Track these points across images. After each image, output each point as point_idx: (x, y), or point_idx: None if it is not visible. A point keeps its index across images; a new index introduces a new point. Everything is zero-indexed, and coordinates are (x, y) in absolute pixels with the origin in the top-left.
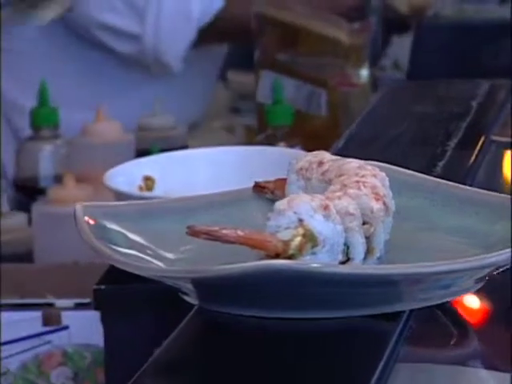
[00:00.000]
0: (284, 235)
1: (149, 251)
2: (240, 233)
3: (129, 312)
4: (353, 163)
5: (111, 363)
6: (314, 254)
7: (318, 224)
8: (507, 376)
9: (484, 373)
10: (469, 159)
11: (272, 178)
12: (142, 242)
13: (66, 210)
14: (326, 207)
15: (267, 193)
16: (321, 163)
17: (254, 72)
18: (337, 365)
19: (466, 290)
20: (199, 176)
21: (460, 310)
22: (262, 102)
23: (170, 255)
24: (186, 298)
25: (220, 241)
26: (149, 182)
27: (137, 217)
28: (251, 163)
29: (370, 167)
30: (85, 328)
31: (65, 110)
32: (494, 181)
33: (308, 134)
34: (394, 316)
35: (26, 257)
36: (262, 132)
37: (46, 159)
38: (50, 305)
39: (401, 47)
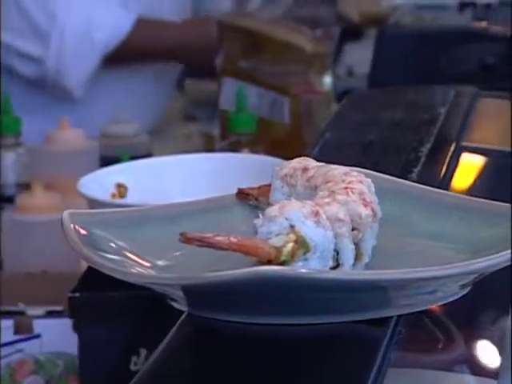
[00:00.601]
0: (276, 241)
1: (136, 258)
2: (233, 239)
3: (103, 319)
4: (338, 170)
5: (86, 371)
6: (305, 260)
7: (309, 230)
8: (492, 382)
9: (470, 378)
10: (442, 165)
11: (253, 185)
12: (129, 248)
13: (35, 218)
14: (316, 213)
15: (251, 199)
16: (305, 170)
17: (217, 79)
18: (330, 370)
19: (452, 296)
20: (172, 183)
21: (446, 316)
22: (224, 109)
23: (159, 262)
24: (175, 305)
25: (213, 247)
26: (121, 189)
27: (122, 224)
28: (224, 170)
29: (355, 173)
30: (57, 336)
31: None
32: (467, 186)
33: (271, 141)
34: (383, 321)
35: None
36: (224, 139)
37: (8, 167)
38: (21, 313)
39: (354, 55)
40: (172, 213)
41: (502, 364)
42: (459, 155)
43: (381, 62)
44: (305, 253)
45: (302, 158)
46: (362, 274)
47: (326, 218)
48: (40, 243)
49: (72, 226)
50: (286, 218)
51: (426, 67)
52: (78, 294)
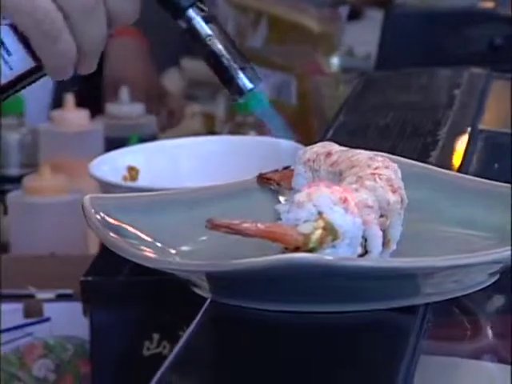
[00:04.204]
0: (304, 228)
1: (158, 243)
2: (260, 226)
3: (116, 304)
4: (363, 154)
5: (97, 355)
6: (334, 247)
7: (338, 217)
8: None
9: (497, 366)
10: (461, 149)
11: (264, 168)
12: (151, 233)
13: (43, 200)
14: (345, 200)
15: (273, 184)
16: (329, 154)
17: None
18: (361, 358)
19: (480, 284)
20: (183, 166)
21: (475, 305)
22: None
23: (183, 248)
24: (197, 291)
25: (240, 234)
26: (133, 172)
27: (143, 209)
28: (235, 153)
29: (380, 158)
30: (67, 320)
31: None
32: (486, 170)
33: None
34: (411, 310)
35: (2, 247)
36: (230, 120)
37: (12, 148)
38: (31, 296)
39: (354, 35)
40: (192, 198)
41: None
42: (476, 139)
43: (388, 42)
44: (333, 240)
45: (324, 142)
46: (395, 262)
47: (355, 204)
48: (48, 225)
49: (93, 210)
50: (314, 205)
51: (433, 48)
52: (90, 278)
